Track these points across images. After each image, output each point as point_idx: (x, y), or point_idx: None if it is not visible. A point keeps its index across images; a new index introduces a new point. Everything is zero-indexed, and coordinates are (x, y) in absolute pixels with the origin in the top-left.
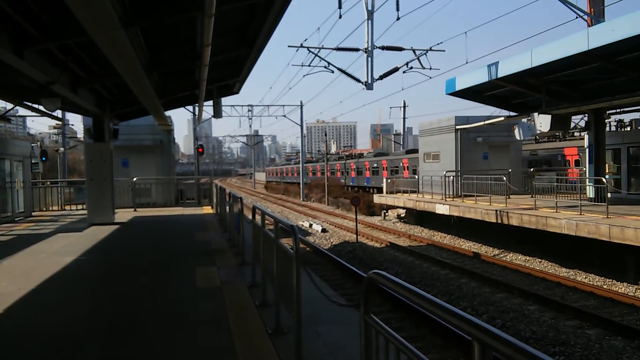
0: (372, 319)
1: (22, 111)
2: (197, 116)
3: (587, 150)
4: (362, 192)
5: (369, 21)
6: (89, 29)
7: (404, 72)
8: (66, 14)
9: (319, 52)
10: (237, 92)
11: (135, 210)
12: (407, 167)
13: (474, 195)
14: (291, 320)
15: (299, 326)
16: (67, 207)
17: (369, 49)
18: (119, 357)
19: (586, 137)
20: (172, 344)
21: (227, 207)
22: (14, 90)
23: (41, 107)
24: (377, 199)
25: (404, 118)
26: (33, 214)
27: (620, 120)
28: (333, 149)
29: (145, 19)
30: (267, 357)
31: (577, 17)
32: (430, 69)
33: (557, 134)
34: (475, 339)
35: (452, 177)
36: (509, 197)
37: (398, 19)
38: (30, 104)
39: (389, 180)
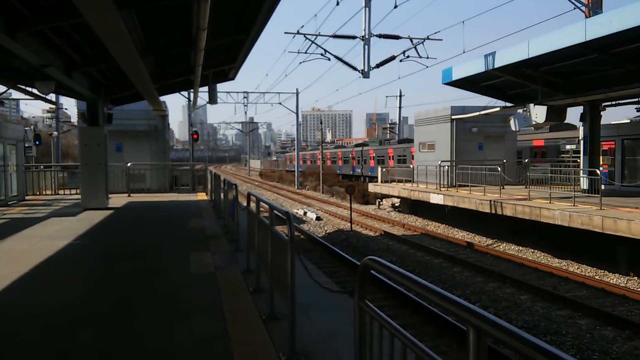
0: (366, 305)
1: (15, 94)
2: (192, 102)
3: (581, 141)
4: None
5: (367, 9)
6: (82, 10)
7: (400, 60)
8: None
9: (315, 39)
10: (232, 78)
11: (129, 196)
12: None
13: (468, 185)
14: (285, 306)
15: (293, 312)
16: (61, 192)
17: (366, 36)
18: (113, 342)
19: (581, 128)
20: (166, 329)
21: (222, 194)
22: (7, 73)
23: (35, 91)
24: (371, 187)
25: (400, 107)
26: (26, 198)
27: None
28: (328, 138)
29: (140, 1)
30: (261, 343)
31: (574, 8)
32: (427, 58)
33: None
34: (470, 325)
35: (446, 167)
36: (503, 188)
37: (395, 7)
38: (24, 87)
39: (384, 170)
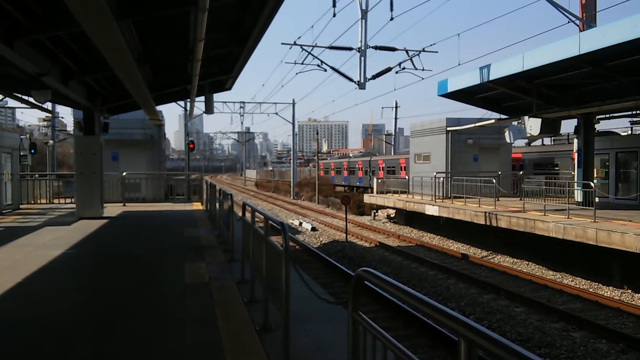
0: (360, 316)
1: (11, 102)
2: (188, 112)
3: (576, 154)
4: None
5: (363, 20)
6: (80, 20)
7: (396, 72)
8: (58, 4)
9: (312, 50)
10: (229, 89)
11: (124, 205)
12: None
13: (463, 197)
14: (279, 317)
15: (287, 323)
16: (56, 201)
17: (362, 48)
18: (106, 351)
19: (575, 141)
20: (160, 339)
21: (217, 204)
22: (3, 81)
23: (31, 99)
24: (367, 198)
25: (396, 118)
26: (21, 206)
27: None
28: (325, 148)
29: (138, 11)
30: (254, 354)
31: (569, 22)
32: (423, 69)
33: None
34: (462, 337)
35: (442, 179)
36: (498, 200)
37: (392, 19)
38: (20, 95)
39: (380, 181)
